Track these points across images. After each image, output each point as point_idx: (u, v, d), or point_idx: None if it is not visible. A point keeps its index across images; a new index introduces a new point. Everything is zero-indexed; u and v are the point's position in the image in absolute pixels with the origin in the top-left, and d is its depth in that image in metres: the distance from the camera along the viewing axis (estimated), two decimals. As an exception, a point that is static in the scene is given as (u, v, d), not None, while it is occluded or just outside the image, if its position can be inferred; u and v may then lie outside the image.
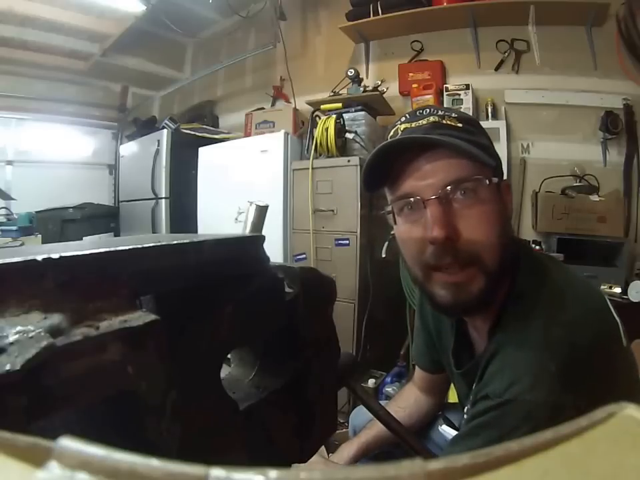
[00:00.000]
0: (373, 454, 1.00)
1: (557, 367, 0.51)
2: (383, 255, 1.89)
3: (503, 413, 0.53)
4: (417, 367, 1.00)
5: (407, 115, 0.62)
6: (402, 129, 0.60)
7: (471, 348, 0.72)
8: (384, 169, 0.60)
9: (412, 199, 0.58)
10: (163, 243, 0.23)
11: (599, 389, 0.51)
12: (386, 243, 2.04)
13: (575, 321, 0.55)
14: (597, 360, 0.53)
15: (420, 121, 0.59)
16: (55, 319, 0.17)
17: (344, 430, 1.72)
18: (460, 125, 0.58)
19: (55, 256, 0.18)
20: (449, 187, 0.56)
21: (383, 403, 0.66)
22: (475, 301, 0.58)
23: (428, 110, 0.61)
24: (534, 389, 0.51)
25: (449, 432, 0.93)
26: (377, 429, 0.94)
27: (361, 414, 1.09)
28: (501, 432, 0.52)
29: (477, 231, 0.56)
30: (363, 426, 1.04)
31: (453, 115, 0.59)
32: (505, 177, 0.63)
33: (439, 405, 1.03)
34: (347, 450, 0.96)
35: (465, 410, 0.70)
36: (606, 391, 0.51)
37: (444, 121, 0.58)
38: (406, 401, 1.02)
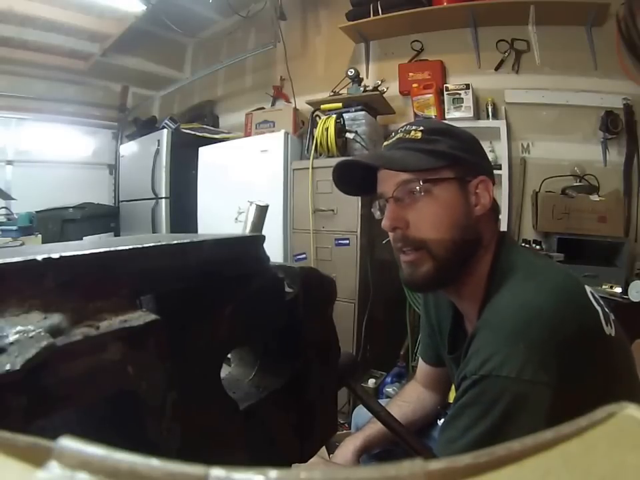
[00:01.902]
0: (375, 452, 1.00)
1: (526, 346, 0.56)
2: (384, 242, 1.94)
3: (480, 390, 0.58)
4: (420, 362, 1.03)
5: (391, 134, 0.77)
6: (383, 144, 0.77)
7: (465, 335, 0.78)
8: (369, 178, 0.76)
9: (380, 199, 0.75)
10: (163, 243, 0.23)
11: (575, 372, 0.55)
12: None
13: (547, 303, 0.60)
14: (569, 343, 0.57)
15: (391, 140, 0.75)
16: (55, 318, 0.17)
17: (344, 431, 1.72)
18: (420, 136, 0.71)
19: (55, 256, 0.18)
20: (397, 189, 0.70)
21: (383, 402, 0.66)
22: (426, 279, 0.70)
23: (405, 127, 0.74)
24: (504, 364, 0.56)
25: None
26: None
27: (363, 412, 1.09)
28: (482, 408, 0.57)
29: (422, 221, 0.69)
30: (366, 424, 1.04)
31: (421, 127, 0.72)
32: (482, 176, 0.72)
33: (442, 402, 1.03)
34: (352, 443, 0.96)
35: None
36: (585, 377, 0.56)
37: (408, 136, 0.72)
38: (409, 396, 1.03)
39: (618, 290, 1.81)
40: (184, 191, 2.86)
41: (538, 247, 2.11)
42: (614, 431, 0.10)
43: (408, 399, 1.02)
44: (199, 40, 3.75)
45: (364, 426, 1.02)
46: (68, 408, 0.17)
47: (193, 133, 3.07)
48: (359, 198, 2.00)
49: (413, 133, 0.71)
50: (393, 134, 0.75)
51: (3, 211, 3.08)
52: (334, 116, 2.13)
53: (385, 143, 0.76)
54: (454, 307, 0.81)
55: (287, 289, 0.32)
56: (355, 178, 0.78)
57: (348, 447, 0.96)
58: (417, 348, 2.18)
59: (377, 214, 0.78)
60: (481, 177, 0.71)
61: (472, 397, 0.59)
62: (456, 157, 0.70)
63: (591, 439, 0.10)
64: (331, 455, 1.46)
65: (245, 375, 0.35)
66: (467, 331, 0.80)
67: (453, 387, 0.88)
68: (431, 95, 2.43)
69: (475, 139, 0.75)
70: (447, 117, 2.40)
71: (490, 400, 0.56)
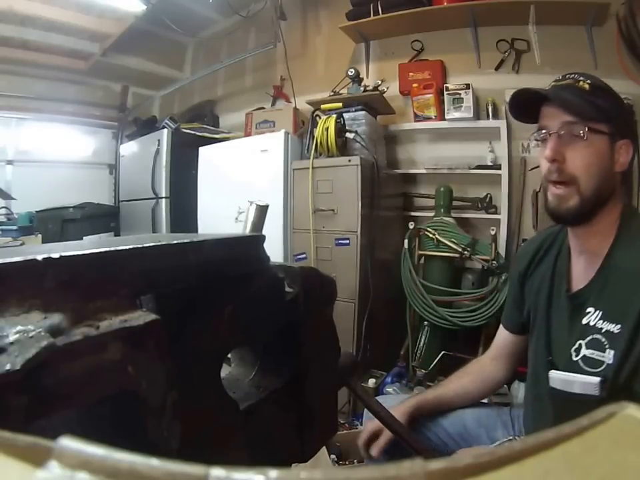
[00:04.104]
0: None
1: None
2: (411, 226, 2.20)
3: None
4: (499, 331, 1.07)
5: (559, 76, 0.86)
6: (551, 84, 0.86)
7: (568, 281, 0.88)
8: (532, 109, 0.85)
9: (543, 131, 0.83)
10: (163, 243, 0.23)
11: None
12: (407, 233, 2.21)
13: None
14: None
15: (562, 82, 0.84)
16: (55, 318, 0.17)
17: (344, 431, 1.72)
18: (588, 88, 0.80)
19: (55, 256, 0.18)
20: (563, 127, 0.79)
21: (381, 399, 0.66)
22: (570, 211, 0.80)
23: (573, 75, 0.83)
24: None
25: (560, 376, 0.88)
26: (438, 391, 1.06)
27: None
28: None
29: (577, 160, 0.79)
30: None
31: (588, 81, 0.81)
32: (627, 139, 0.82)
33: (507, 377, 1.07)
34: (407, 403, 0.99)
35: (582, 341, 0.80)
36: None
37: (577, 84, 0.81)
38: (472, 367, 1.09)
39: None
40: (184, 190, 2.86)
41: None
42: (614, 431, 0.10)
43: (470, 370, 1.08)
44: (199, 40, 3.76)
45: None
46: (68, 408, 0.17)
47: (193, 132, 3.07)
48: (359, 198, 2.00)
49: (581, 83, 0.81)
50: (561, 77, 0.85)
51: (3, 211, 3.08)
52: (334, 116, 2.13)
53: (555, 84, 0.85)
54: (567, 249, 0.91)
55: (287, 289, 0.32)
56: (521, 105, 0.87)
57: (404, 404, 0.99)
58: (418, 349, 2.18)
59: (533, 143, 0.89)
60: (626, 140, 0.81)
61: None
62: (613, 117, 0.80)
63: (591, 439, 0.10)
64: (331, 455, 1.45)
65: (245, 374, 0.35)
66: (572, 271, 0.88)
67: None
68: (431, 95, 2.43)
69: (629, 107, 0.90)
70: (447, 117, 2.40)
71: None
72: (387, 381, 2.01)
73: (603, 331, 0.76)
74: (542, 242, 1.00)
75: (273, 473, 0.09)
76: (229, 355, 0.35)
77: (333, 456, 1.55)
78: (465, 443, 0.99)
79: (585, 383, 0.77)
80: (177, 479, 0.09)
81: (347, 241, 2.05)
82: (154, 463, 0.09)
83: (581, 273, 0.86)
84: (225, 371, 0.29)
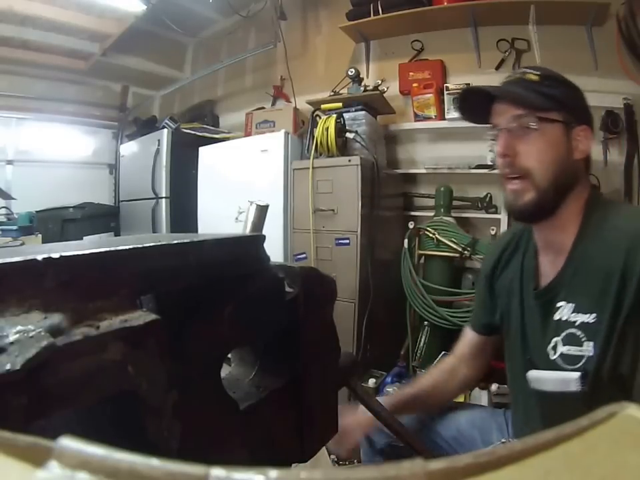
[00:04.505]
0: (380, 447, 1.00)
1: None
2: (411, 226, 2.25)
3: None
4: (467, 332, 1.05)
5: (511, 73, 0.86)
6: (502, 81, 0.85)
7: (536, 279, 0.86)
8: (484, 109, 0.84)
9: (496, 128, 0.82)
10: (163, 243, 0.23)
11: None
12: (407, 232, 2.24)
13: None
14: None
15: (511, 78, 0.83)
16: (55, 318, 0.17)
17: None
18: (537, 79, 0.79)
19: (56, 255, 0.18)
20: (511, 121, 0.78)
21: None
22: (528, 207, 0.78)
23: (522, 69, 0.83)
24: None
25: (538, 375, 0.86)
26: (414, 389, 1.01)
27: None
28: None
29: (529, 152, 0.77)
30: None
31: (537, 72, 0.80)
32: (585, 125, 0.80)
33: (477, 377, 1.05)
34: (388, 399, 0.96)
35: (557, 337, 0.78)
36: None
37: (525, 77, 0.80)
38: (445, 364, 1.06)
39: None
40: (184, 190, 2.86)
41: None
42: (614, 431, 0.10)
43: (442, 367, 1.06)
44: (199, 40, 3.75)
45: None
46: (68, 408, 0.17)
47: (193, 132, 3.07)
48: (359, 197, 2.00)
49: (529, 75, 0.80)
50: (510, 75, 0.85)
51: (3, 211, 3.08)
52: (334, 116, 2.13)
53: (504, 80, 0.84)
54: (534, 247, 0.89)
55: (288, 289, 0.32)
56: (473, 107, 0.86)
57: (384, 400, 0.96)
58: (418, 349, 2.18)
59: (490, 144, 0.87)
60: (584, 126, 0.79)
61: None
62: (566, 103, 0.79)
63: (591, 439, 0.10)
64: (331, 455, 1.45)
65: (245, 374, 0.35)
66: (540, 275, 0.86)
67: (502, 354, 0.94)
68: (431, 95, 2.43)
69: (582, 92, 0.85)
70: (447, 116, 2.40)
71: None
72: (387, 380, 2.01)
73: (577, 323, 0.75)
74: (508, 242, 0.98)
75: (273, 472, 0.09)
76: (229, 355, 0.35)
77: (332, 456, 1.55)
78: (460, 447, 0.97)
79: (564, 380, 0.75)
80: (177, 478, 0.09)
81: (347, 241, 2.05)
82: (154, 462, 0.09)
83: (548, 269, 0.84)
84: (225, 371, 0.29)
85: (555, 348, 0.78)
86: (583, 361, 0.74)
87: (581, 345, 0.74)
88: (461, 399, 1.73)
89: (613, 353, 0.71)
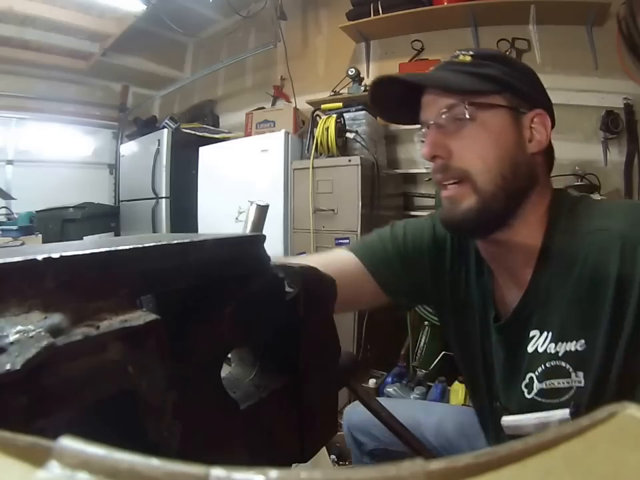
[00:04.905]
0: (370, 449, 0.99)
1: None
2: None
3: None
4: (342, 252, 0.78)
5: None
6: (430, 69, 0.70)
7: (495, 307, 0.69)
8: (408, 107, 0.67)
9: (424, 126, 0.65)
10: (164, 243, 0.23)
11: None
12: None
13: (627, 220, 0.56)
14: None
15: (437, 65, 0.67)
16: (56, 318, 0.17)
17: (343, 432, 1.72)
18: (469, 60, 0.63)
19: (56, 255, 0.18)
20: (439, 114, 0.62)
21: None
22: (467, 216, 0.61)
23: (454, 53, 0.66)
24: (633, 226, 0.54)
25: (515, 422, 0.68)
26: None
27: (360, 410, 1.05)
28: None
29: (465, 149, 0.61)
30: (360, 424, 1.00)
31: (470, 52, 0.64)
32: (539, 109, 0.64)
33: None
34: None
35: (531, 376, 0.61)
36: None
37: (456, 60, 0.64)
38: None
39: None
40: (184, 190, 2.86)
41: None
42: (615, 431, 0.10)
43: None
44: (199, 40, 3.76)
45: (359, 424, 0.98)
46: (68, 408, 0.17)
47: (193, 132, 3.07)
48: (359, 197, 2.00)
49: (461, 57, 0.64)
50: (440, 60, 0.69)
51: (3, 211, 3.08)
52: (334, 116, 2.13)
53: (431, 69, 0.68)
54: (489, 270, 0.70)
55: (288, 289, 0.32)
56: (397, 104, 0.68)
57: None
58: (419, 349, 2.18)
59: (419, 147, 0.69)
60: (537, 110, 0.63)
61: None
62: (509, 83, 0.61)
63: (592, 439, 0.10)
64: (331, 455, 1.45)
65: (245, 374, 0.35)
66: (496, 292, 0.69)
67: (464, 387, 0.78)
68: (431, 95, 2.43)
69: (532, 71, 0.67)
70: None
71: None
72: (388, 381, 2.01)
73: (561, 354, 0.58)
74: (452, 241, 0.75)
75: (273, 473, 0.09)
76: (229, 355, 0.35)
77: (333, 456, 1.55)
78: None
79: (548, 421, 0.58)
80: (178, 478, 0.09)
81: (347, 241, 2.05)
82: (154, 463, 0.09)
83: (508, 293, 0.66)
84: (225, 371, 0.29)
85: (530, 385, 0.61)
86: (571, 393, 0.57)
87: (567, 377, 0.58)
88: (461, 399, 1.73)
89: (617, 381, 0.54)
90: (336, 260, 0.76)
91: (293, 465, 0.35)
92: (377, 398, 0.71)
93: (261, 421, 0.31)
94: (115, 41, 3.24)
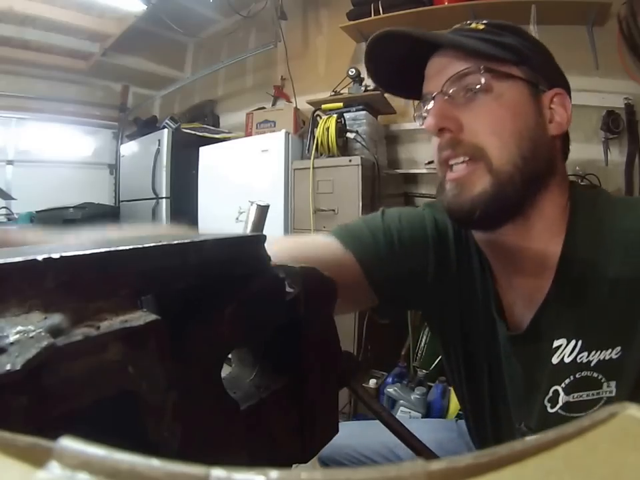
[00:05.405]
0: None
1: None
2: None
3: None
4: (325, 239, 0.65)
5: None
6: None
7: (503, 314, 0.60)
8: (412, 75, 0.59)
9: (428, 97, 0.57)
10: (164, 243, 0.23)
11: None
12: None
13: None
14: None
15: (448, 31, 0.59)
16: (56, 318, 0.17)
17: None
18: (482, 27, 0.55)
19: (56, 256, 0.18)
20: (448, 82, 0.54)
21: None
22: (479, 201, 0.51)
23: (464, 22, 0.59)
24: None
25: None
26: None
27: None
28: None
29: (480, 123, 0.52)
30: (332, 456, 0.90)
31: (484, 21, 0.57)
32: (559, 88, 0.57)
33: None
34: None
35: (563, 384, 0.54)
36: None
37: (468, 27, 0.57)
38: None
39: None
40: (184, 190, 2.86)
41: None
42: (616, 431, 0.10)
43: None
44: (200, 39, 3.76)
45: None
46: (68, 408, 0.17)
47: (193, 132, 3.07)
48: (360, 198, 1.99)
49: (474, 25, 0.56)
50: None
51: (3, 211, 3.08)
52: (335, 116, 2.13)
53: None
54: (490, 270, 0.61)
55: (288, 289, 0.32)
56: (397, 70, 0.59)
57: None
58: (419, 350, 2.18)
59: (419, 122, 0.60)
60: (557, 89, 0.56)
61: None
62: (527, 56, 0.54)
63: (592, 439, 0.10)
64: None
65: (246, 374, 0.35)
66: (503, 298, 0.60)
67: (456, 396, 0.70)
68: (431, 95, 2.43)
69: (548, 50, 0.61)
70: (447, 116, 2.40)
71: None
72: (388, 381, 2.01)
73: (594, 363, 0.51)
74: (443, 228, 0.65)
75: (274, 473, 0.09)
76: (230, 355, 0.35)
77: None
78: None
79: None
80: (178, 479, 0.09)
81: (348, 241, 2.04)
82: (154, 463, 0.09)
83: (522, 299, 0.59)
84: (225, 371, 0.29)
85: (553, 399, 0.55)
86: (600, 404, 0.52)
87: (598, 388, 0.52)
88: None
89: None
90: (317, 246, 0.65)
91: (294, 466, 0.35)
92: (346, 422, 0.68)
93: (261, 421, 0.31)
94: (115, 41, 3.24)
